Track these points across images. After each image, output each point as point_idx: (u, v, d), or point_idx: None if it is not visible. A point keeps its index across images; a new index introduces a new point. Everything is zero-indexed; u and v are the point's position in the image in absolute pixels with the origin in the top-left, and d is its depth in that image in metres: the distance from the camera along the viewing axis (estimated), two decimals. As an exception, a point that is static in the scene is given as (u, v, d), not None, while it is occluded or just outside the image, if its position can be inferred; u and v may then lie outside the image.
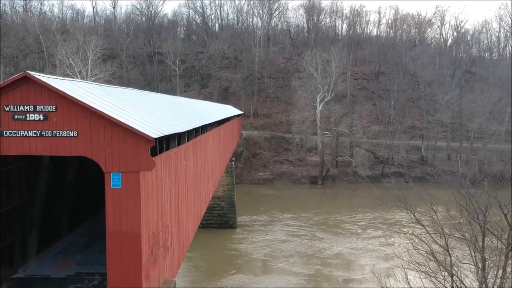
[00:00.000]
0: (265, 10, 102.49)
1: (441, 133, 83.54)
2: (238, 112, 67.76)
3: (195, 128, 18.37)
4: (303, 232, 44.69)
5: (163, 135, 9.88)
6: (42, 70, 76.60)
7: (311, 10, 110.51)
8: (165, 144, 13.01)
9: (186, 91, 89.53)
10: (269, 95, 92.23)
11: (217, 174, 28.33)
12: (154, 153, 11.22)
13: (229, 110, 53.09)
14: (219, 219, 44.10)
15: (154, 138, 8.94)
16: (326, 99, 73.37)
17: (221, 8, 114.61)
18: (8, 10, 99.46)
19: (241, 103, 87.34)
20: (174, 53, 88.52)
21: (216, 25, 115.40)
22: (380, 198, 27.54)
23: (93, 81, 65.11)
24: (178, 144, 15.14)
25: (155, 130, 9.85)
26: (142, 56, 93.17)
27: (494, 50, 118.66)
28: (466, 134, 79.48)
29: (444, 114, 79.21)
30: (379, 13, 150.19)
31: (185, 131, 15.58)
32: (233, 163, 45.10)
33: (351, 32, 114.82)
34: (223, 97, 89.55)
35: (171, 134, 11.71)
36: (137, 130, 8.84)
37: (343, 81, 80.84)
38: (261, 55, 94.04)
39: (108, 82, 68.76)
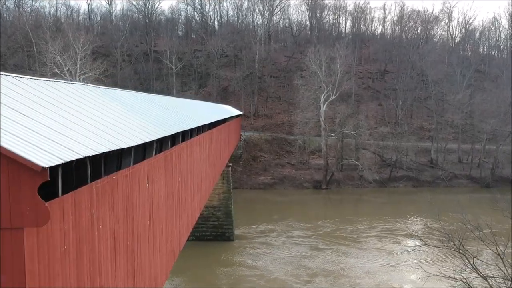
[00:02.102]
0: (266, 7, 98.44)
1: (450, 135, 79.33)
2: (237, 112, 63.92)
3: (171, 135, 14.36)
4: (312, 245, 40.24)
5: (78, 157, 5.87)
6: (30, 69, 72.78)
7: (314, 7, 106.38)
8: (115, 163, 9.05)
9: (184, 91, 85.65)
10: (270, 94, 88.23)
11: (208, 185, 24.31)
12: (82, 181, 7.28)
13: (227, 111, 49.13)
14: (214, 230, 40.06)
15: (44, 167, 4.87)
16: (330, 99, 69.23)
17: (221, 5, 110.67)
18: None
19: (241, 103, 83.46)
20: (170, 51, 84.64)
21: (216, 22, 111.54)
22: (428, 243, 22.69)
23: (82, 80, 61.19)
24: (143, 159, 11.15)
25: (70, 149, 5.89)
26: (137, 54, 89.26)
27: (504, 48, 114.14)
28: (478, 135, 75.24)
29: (455, 115, 74.91)
30: (384, 10, 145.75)
31: (153, 141, 11.56)
32: (229, 168, 41.08)
33: (355, 29, 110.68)
34: (222, 97, 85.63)
35: (114, 150, 7.71)
36: (12, 153, 4.80)
37: (348, 80, 76.73)
38: (261, 53, 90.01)
39: (99, 81, 64.85)
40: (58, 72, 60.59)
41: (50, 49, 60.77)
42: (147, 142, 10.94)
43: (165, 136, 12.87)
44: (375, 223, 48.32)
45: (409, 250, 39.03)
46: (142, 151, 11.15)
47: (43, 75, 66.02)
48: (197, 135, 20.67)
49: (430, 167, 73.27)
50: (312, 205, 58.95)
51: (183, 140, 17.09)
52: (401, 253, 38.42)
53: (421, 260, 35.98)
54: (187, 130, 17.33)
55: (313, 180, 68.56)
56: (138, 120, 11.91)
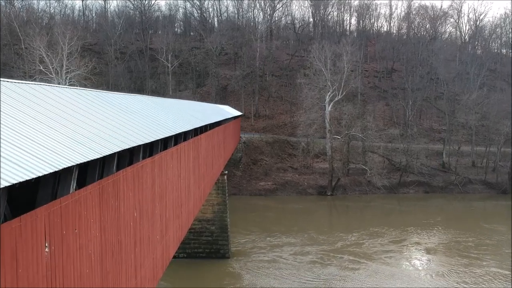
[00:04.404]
0: (267, 2, 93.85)
1: (463, 136, 74.57)
2: (237, 113, 59.55)
3: (127, 151, 9.87)
4: (328, 262, 35.30)
5: None
6: (18, 67, 68.36)
7: (317, 3, 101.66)
8: None
9: (180, 90, 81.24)
10: (271, 94, 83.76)
11: (193, 206, 19.82)
12: None
13: (223, 112, 44.67)
14: (207, 247, 35.56)
15: None
16: (336, 99, 64.59)
17: (220, 1, 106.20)
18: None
19: (241, 103, 79.07)
20: (166, 48, 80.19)
21: (215, 19, 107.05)
22: None
23: (69, 78, 56.92)
24: (54, 198, 6.72)
25: None
26: (132, 51, 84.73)
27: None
28: (492, 137, 70.46)
29: (469, 116, 70.14)
30: (390, 6, 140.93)
31: (72, 167, 7.10)
32: (225, 177, 36.59)
33: (360, 26, 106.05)
34: (222, 97, 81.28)
35: None
36: None
37: (356, 78, 72.11)
38: (262, 50, 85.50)
39: (88, 79, 60.52)
40: (43, 70, 56.33)
41: (34, 45, 56.51)
42: (60, 170, 6.47)
43: (108, 155, 8.39)
44: (396, 235, 43.66)
45: (447, 270, 34.27)
46: (52, 187, 6.71)
47: (26, 73, 61.79)
48: (175, 144, 16.21)
49: (442, 172, 68.61)
50: (318, 214, 54.33)
51: (150, 155, 12.63)
52: (439, 274, 33.57)
53: (463, 282, 31.65)
54: (156, 141, 12.84)
55: (317, 185, 63.97)
56: (54, 132, 7.41)
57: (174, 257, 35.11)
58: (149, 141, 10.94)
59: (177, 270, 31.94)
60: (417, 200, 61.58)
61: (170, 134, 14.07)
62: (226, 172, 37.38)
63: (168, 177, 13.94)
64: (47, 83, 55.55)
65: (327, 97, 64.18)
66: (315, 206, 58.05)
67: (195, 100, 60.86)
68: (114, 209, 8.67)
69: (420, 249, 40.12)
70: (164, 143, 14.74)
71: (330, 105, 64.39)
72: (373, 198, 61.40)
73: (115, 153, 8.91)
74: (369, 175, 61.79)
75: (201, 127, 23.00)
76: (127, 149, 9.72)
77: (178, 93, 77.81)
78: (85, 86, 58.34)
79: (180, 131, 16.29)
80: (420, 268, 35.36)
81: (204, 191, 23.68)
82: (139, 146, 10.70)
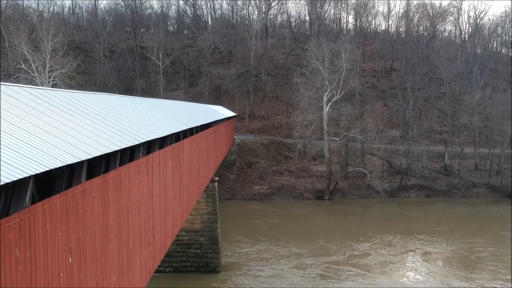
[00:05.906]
0: (262, 0, 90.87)
1: (465, 138, 71.87)
2: (230, 114, 56.76)
3: (33, 176, 6.96)
4: (335, 277, 32.49)
5: None
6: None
7: (314, 1, 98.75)
8: None
9: (172, 90, 78.20)
10: (267, 94, 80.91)
11: (173, 223, 16.92)
12: None
13: (215, 112, 41.79)
14: (196, 260, 32.62)
15: None
16: (334, 99, 61.77)
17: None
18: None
19: (235, 103, 76.18)
20: (157, 46, 77.14)
21: (209, 16, 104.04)
22: None
23: (52, 77, 53.85)
24: None
25: None
26: (121, 49, 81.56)
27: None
28: (495, 139, 67.79)
29: (473, 116, 67.42)
30: (388, 4, 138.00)
31: None
32: (216, 184, 33.68)
33: (358, 24, 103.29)
34: (215, 97, 78.39)
35: None
36: None
37: (354, 77, 69.29)
38: (257, 49, 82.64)
39: (73, 78, 57.45)
40: (25, 68, 53.21)
41: (16, 41, 53.39)
42: None
43: (16, 181, 5.47)
44: (403, 243, 40.87)
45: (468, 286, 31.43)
46: None
47: (8, 71, 58.63)
48: (148, 153, 13.30)
49: (444, 175, 65.86)
50: (317, 220, 51.41)
51: (106, 171, 9.71)
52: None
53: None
54: (114, 152, 9.92)
55: (314, 189, 61.10)
56: None
57: (160, 271, 32.26)
58: (92, 157, 8.02)
59: (162, 286, 29.13)
60: (419, 205, 58.89)
61: (135, 143, 11.15)
62: (217, 178, 34.45)
63: (132, 198, 11.04)
64: (30, 83, 52.45)
65: (325, 97, 61.38)
66: (313, 211, 55.19)
67: (187, 101, 57.99)
68: (22, 263, 5.79)
69: (432, 260, 37.17)
70: (131, 154, 11.84)
71: (328, 106, 61.60)
72: (372, 203, 58.65)
73: (29, 176, 6.00)
74: (368, 178, 58.97)
75: (184, 131, 20.10)
76: (60, 168, 6.83)
77: (169, 92, 74.86)
78: (70, 85, 55.28)
79: (154, 138, 13.38)
80: (440, 284, 32.33)
81: (188, 204, 20.77)
82: (79, 162, 7.79)
